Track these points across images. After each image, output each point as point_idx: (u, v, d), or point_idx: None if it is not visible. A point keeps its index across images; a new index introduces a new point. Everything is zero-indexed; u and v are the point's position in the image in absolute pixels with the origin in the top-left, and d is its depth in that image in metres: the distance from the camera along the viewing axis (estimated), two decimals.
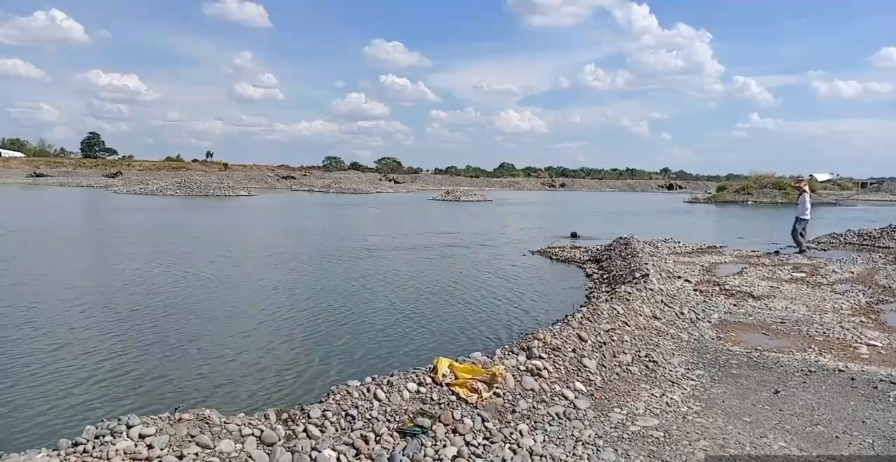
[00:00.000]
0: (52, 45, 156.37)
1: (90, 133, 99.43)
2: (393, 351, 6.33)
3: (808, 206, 13.76)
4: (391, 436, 3.53)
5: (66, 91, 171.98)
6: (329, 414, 3.57)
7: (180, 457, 2.94)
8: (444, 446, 3.54)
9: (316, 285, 9.95)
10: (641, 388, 4.88)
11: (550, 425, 4.02)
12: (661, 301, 7.42)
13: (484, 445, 3.66)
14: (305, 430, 3.41)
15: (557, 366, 4.77)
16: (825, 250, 14.54)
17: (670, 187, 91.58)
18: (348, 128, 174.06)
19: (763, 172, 49.19)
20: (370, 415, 3.65)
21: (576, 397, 4.45)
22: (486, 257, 13.77)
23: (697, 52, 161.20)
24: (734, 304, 8.11)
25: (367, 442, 3.44)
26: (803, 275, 10.56)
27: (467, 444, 3.64)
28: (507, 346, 5.02)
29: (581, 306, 7.20)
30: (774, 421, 4.29)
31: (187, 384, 5.27)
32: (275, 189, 60.81)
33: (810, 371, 5.36)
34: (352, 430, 3.51)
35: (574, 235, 17.44)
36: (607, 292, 8.44)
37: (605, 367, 5.08)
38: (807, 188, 14.43)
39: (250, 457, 3.08)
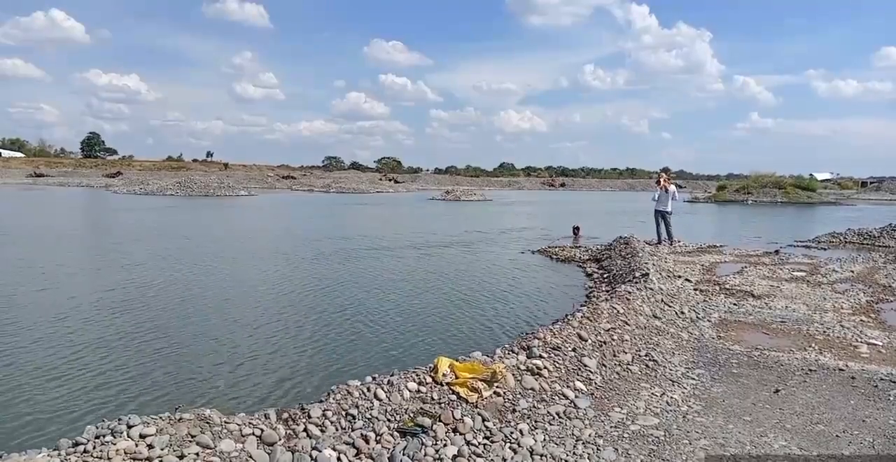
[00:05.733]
0: (52, 45, 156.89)
1: (90, 133, 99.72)
2: (393, 350, 6.33)
3: (670, 200, 13.86)
4: (391, 435, 3.53)
5: (66, 91, 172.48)
6: (329, 413, 3.57)
7: (181, 457, 2.94)
8: (445, 446, 3.54)
9: (316, 285, 9.95)
10: (642, 387, 4.88)
11: (551, 424, 4.02)
12: (662, 300, 7.42)
13: (484, 445, 3.66)
14: (306, 430, 3.41)
15: (558, 365, 4.76)
16: (825, 250, 14.54)
17: None
18: (348, 128, 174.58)
19: (763, 172, 49.27)
20: (370, 414, 3.65)
21: (576, 396, 4.45)
22: (486, 257, 13.77)
23: (697, 51, 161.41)
24: (734, 304, 8.11)
25: (367, 441, 3.44)
26: (803, 274, 10.56)
27: (468, 443, 3.63)
28: (507, 346, 5.02)
29: (581, 306, 7.20)
30: (775, 420, 4.29)
31: (187, 384, 5.27)
32: (275, 189, 60.79)
33: (810, 370, 5.36)
34: (352, 430, 3.51)
35: (576, 231, 17.35)
36: (607, 292, 8.44)
37: (605, 366, 5.08)
38: (665, 183, 14.14)
39: (251, 456, 3.08)
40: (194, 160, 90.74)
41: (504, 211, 34.03)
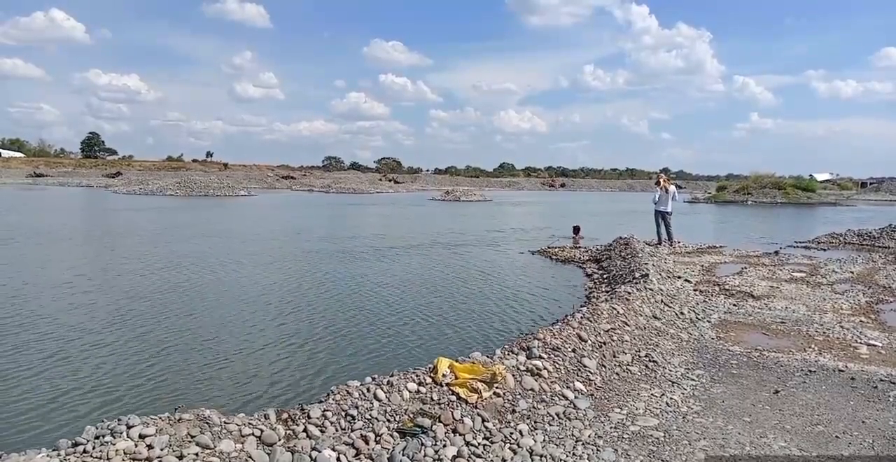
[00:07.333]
0: (53, 44, 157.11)
1: (90, 133, 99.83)
2: (393, 351, 6.33)
3: (670, 200, 13.94)
4: (391, 436, 3.53)
5: (66, 91, 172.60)
6: (329, 414, 3.57)
7: (180, 457, 2.94)
8: (444, 446, 3.54)
9: (315, 285, 9.95)
10: (641, 387, 4.88)
11: (550, 425, 4.02)
12: (661, 301, 7.42)
13: (484, 445, 3.66)
14: (305, 430, 3.41)
15: (557, 366, 4.76)
16: (825, 250, 14.54)
17: None
18: (348, 128, 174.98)
19: (763, 172, 49.28)
20: (370, 415, 3.65)
21: (576, 397, 4.45)
22: (485, 257, 13.77)
23: (697, 51, 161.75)
24: (734, 304, 8.11)
25: (367, 442, 3.44)
26: (803, 275, 10.56)
27: (467, 443, 3.63)
28: (507, 346, 5.02)
29: (581, 306, 7.21)
30: (774, 421, 4.29)
31: (187, 384, 5.27)
32: (275, 189, 60.84)
33: (810, 371, 5.36)
34: (352, 430, 3.51)
35: (576, 230, 17.34)
36: (607, 292, 8.44)
37: (605, 366, 5.08)
38: (665, 183, 14.14)
39: (250, 457, 3.08)
40: (194, 160, 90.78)
41: (504, 211, 34.03)
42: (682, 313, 7.22)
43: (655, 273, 9.10)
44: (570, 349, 5.07)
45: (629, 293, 7.24)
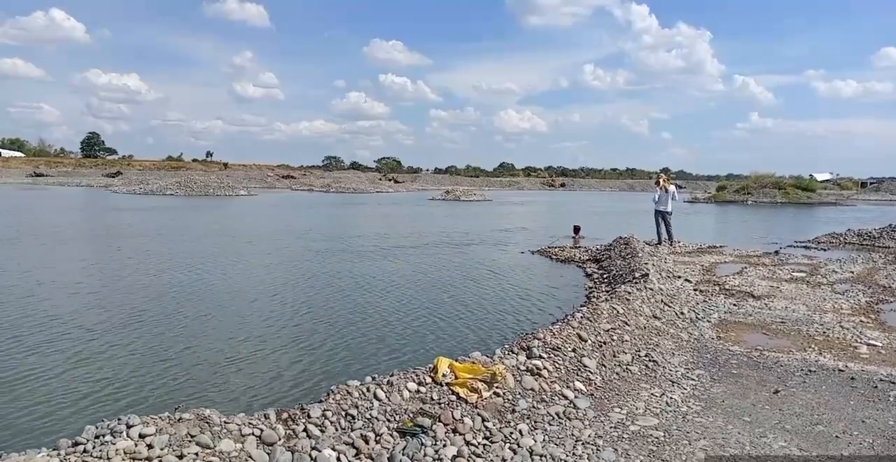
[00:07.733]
0: (53, 44, 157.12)
1: (90, 133, 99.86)
2: (393, 351, 6.33)
3: (670, 200, 14.01)
4: (391, 435, 3.53)
5: (66, 91, 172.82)
6: (329, 414, 3.57)
7: (180, 456, 2.94)
8: (444, 446, 3.54)
9: (315, 285, 9.95)
10: (641, 387, 4.88)
11: (550, 425, 4.02)
12: (661, 301, 7.42)
13: (484, 445, 3.66)
14: (305, 430, 3.41)
15: (557, 365, 4.77)
16: (825, 250, 14.54)
17: None
18: (348, 127, 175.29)
19: (763, 172, 49.34)
20: (370, 414, 3.65)
21: (576, 397, 4.45)
22: (485, 257, 13.76)
23: (697, 51, 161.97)
24: (734, 304, 8.11)
25: (367, 441, 3.44)
26: (803, 274, 10.56)
27: (467, 443, 3.63)
28: (507, 346, 5.02)
29: (581, 306, 7.20)
30: (774, 420, 4.29)
31: (187, 384, 5.27)
32: (275, 188, 60.83)
33: (810, 371, 5.36)
34: (352, 430, 3.51)
35: (577, 230, 17.32)
36: (607, 292, 8.43)
37: (605, 366, 5.08)
38: (665, 183, 14.21)
39: (250, 456, 3.08)
40: (194, 160, 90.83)
41: (504, 211, 34.03)
42: (682, 313, 7.22)
43: (655, 273, 9.10)
44: (570, 349, 5.07)
45: (629, 293, 7.24)
